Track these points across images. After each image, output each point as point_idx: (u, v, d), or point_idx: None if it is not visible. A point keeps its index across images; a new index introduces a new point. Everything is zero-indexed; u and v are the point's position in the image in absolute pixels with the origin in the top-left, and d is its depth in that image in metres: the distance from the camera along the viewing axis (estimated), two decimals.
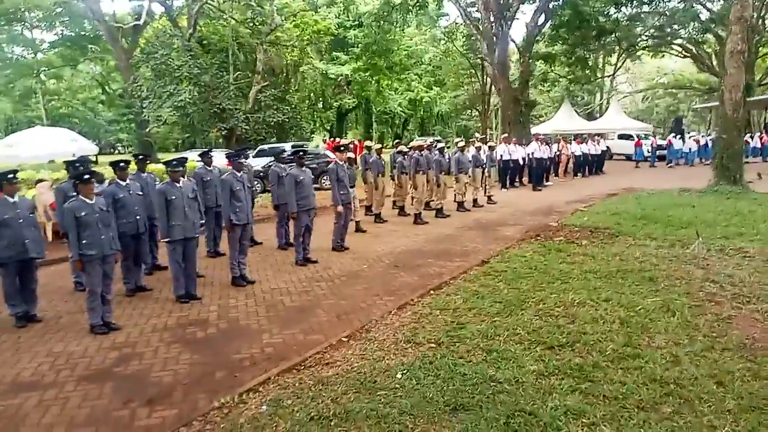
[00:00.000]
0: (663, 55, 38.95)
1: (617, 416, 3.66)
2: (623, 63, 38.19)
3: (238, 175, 7.52)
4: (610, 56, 39.11)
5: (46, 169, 12.96)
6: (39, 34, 39.69)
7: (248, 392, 4.24)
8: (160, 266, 8.29)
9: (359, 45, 38.00)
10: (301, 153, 8.89)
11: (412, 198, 12.15)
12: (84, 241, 5.62)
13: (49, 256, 8.21)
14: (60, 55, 40.20)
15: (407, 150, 12.96)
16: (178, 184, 6.66)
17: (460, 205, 13.39)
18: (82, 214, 5.61)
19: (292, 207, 8.35)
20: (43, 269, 8.00)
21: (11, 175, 6.03)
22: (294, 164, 8.72)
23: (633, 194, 14.83)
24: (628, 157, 27.83)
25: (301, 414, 3.83)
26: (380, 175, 12.37)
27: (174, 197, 6.53)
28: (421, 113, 51.14)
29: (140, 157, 8.22)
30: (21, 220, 5.96)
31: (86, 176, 5.81)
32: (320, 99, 43.01)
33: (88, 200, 5.72)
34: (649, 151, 26.79)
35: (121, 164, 7.08)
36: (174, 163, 6.82)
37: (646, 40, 32.06)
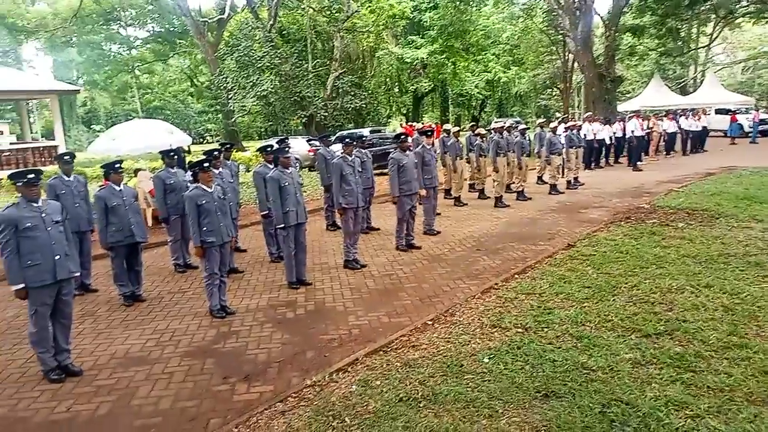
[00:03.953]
0: (766, 22, 35.60)
1: (724, 409, 3.45)
2: (720, 32, 35.28)
3: (349, 159, 7.51)
4: (705, 26, 36.18)
5: (145, 158, 13.84)
6: (132, 32, 42.52)
7: (338, 372, 4.36)
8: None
9: (435, 27, 37.48)
10: (403, 136, 8.51)
11: (494, 181, 11.91)
12: (204, 229, 5.77)
13: (149, 240, 8.82)
14: (152, 50, 42.82)
15: (484, 132, 12.68)
16: (288, 170, 6.69)
17: (553, 188, 13.01)
18: (203, 202, 5.78)
19: (395, 191, 8.16)
20: (144, 252, 8.60)
21: (117, 165, 6.50)
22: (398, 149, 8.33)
23: (733, 173, 13.78)
24: (726, 133, 25.84)
25: (390, 395, 3.90)
26: (458, 158, 12.22)
27: (286, 183, 6.57)
28: (499, 94, 49.78)
29: (226, 145, 8.58)
30: (127, 207, 6.41)
31: (205, 164, 5.96)
32: (396, 83, 42.97)
33: (207, 188, 5.87)
34: (750, 126, 24.79)
35: (215, 153, 7.43)
36: (286, 150, 6.94)
37: (747, 6, 29.38)
